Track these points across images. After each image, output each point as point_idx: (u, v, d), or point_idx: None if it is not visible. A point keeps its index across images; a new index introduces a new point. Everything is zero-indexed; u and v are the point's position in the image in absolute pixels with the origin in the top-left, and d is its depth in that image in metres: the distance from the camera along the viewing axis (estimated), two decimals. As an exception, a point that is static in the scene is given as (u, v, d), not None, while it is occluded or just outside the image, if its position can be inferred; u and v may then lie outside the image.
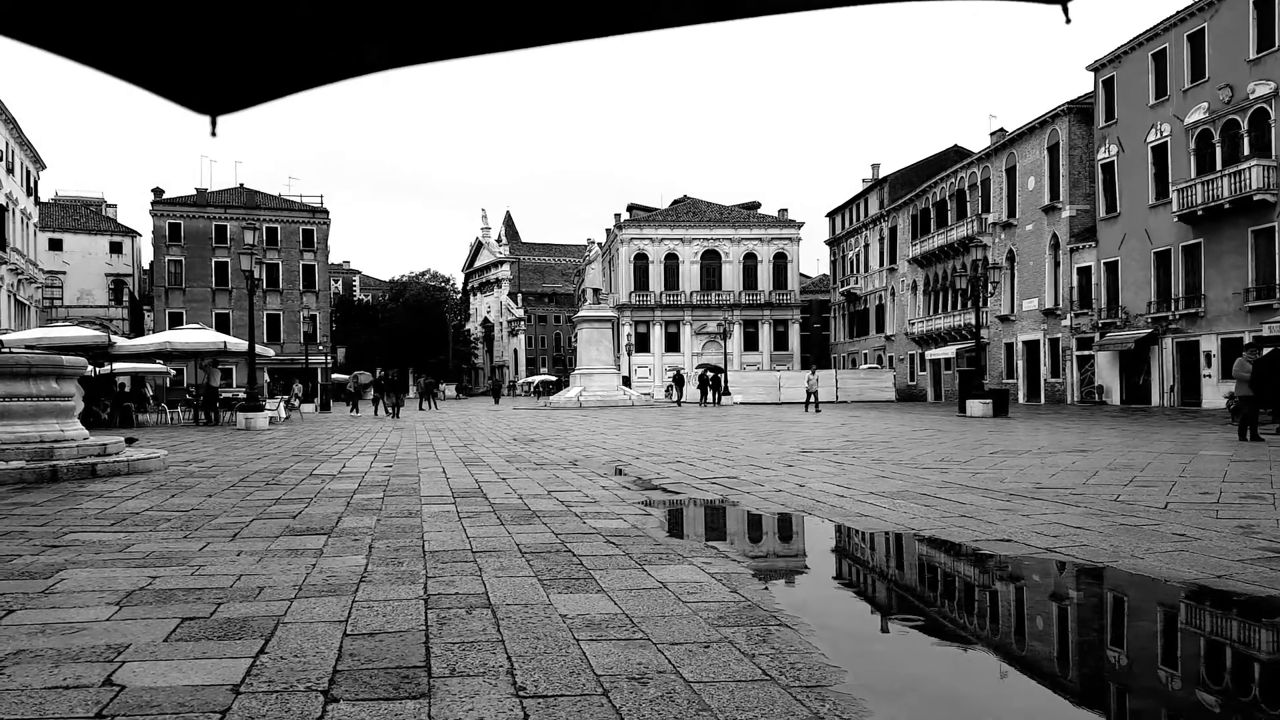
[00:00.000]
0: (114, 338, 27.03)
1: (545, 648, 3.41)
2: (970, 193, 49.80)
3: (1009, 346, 46.06)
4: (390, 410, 31.47)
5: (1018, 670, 3.48)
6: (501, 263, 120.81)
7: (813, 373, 40.59)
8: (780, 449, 13.94)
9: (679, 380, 47.73)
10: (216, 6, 1.56)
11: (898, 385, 53.02)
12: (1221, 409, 25.04)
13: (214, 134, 1.75)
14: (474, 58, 1.68)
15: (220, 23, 1.59)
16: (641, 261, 72.04)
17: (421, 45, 1.65)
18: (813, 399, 35.67)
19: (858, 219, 67.44)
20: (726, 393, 46.22)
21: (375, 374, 35.82)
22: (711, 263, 72.93)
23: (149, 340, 29.58)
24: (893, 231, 60.63)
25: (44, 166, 53.84)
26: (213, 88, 1.74)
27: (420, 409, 38.97)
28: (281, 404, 29.15)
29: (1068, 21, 1.49)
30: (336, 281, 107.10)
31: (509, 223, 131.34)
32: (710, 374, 47.81)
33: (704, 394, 45.76)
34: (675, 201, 78.48)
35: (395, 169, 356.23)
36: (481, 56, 1.67)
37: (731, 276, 72.70)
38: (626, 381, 51.87)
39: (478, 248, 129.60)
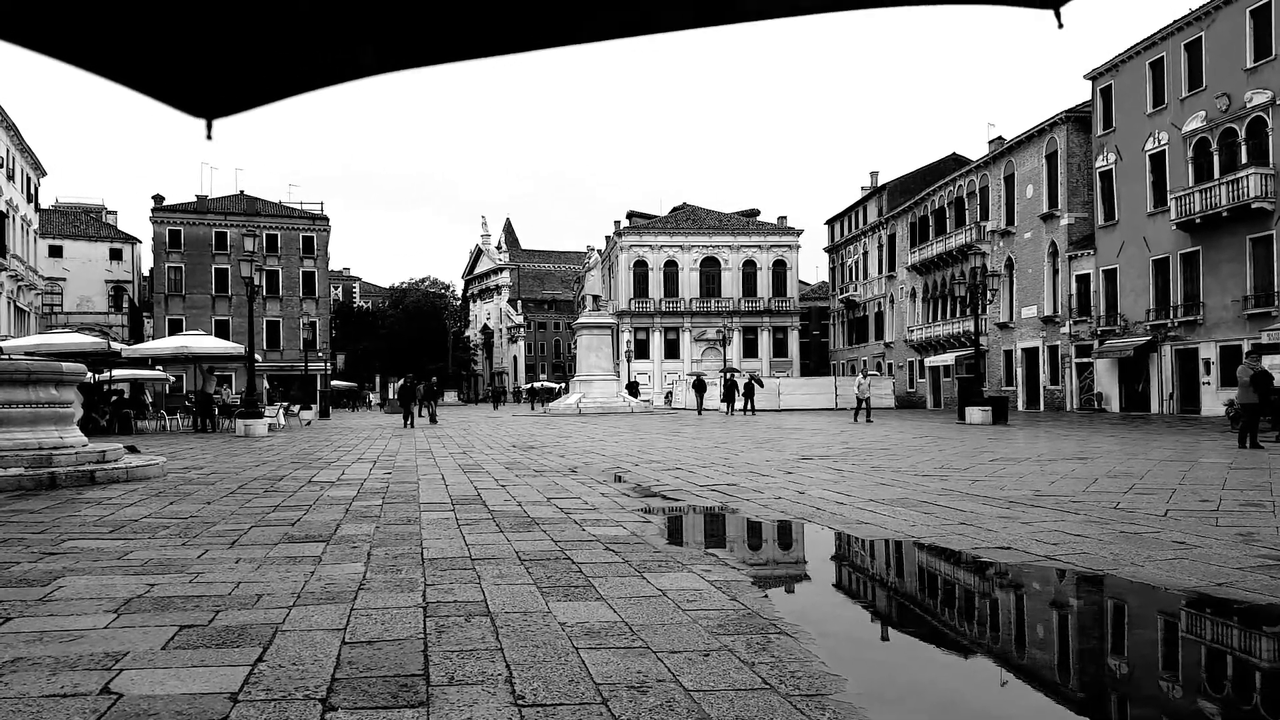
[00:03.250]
0: (114, 344, 27.04)
1: (544, 656, 3.40)
2: (969, 200, 49.88)
3: (1008, 354, 46.08)
4: (408, 418, 29.41)
5: (1018, 678, 3.47)
6: (501, 270, 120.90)
7: (863, 376, 33.69)
8: (780, 456, 13.93)
9: (699, 385, 41.42)
10: (211, 10, 1.56)
11: (897, 392, 53.00)
12: (1221, 416, 25.03)
13: (209, 137, 1.75)
14: (469, 62, 1.68)
15: (215, 26, 1.59)
16: (641, 268, 72.12)
17: (416, 49, 1.65)
18: (863, 407, 30.02)
19: (857, 226, 67.55)
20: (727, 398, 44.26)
21: (401, 382, 32.23)
22: (711, 270, 73.03)
23: (163, 344, 29.58)
24: (891, 239, 60.71)
25: (44, 173, 53.90)
26: (208, 91, 1.74)
27: (419, 416, 38.84)
28: (282, 410, 29.17)
29: (1060, 26, 1.49)
30: (336, 288, 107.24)
31: (509, 230, 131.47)
32: (743, 377, 41.02)
33: (730, 401, 38.73)
34: (674, 209, 78.60)
35: (395, 175, 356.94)
36: (477, 61, 1.68)
37: (731, 284, 72.79)
38: (634, 388, 51.52)
39: (477, 255, 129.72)
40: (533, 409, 57.23)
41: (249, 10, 1.56)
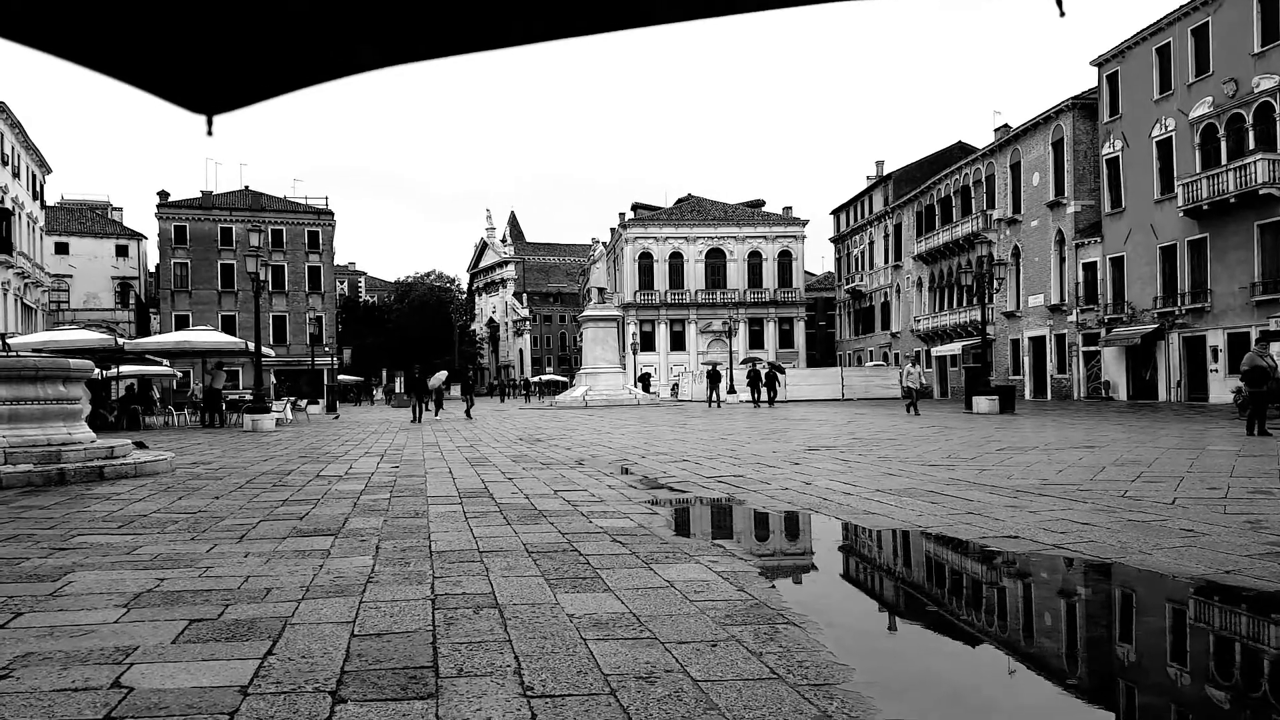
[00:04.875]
0: (120, 340, 27.13)
1: (552, 647, 3.41)
2: (975, 189, 49.70)
3: (1015, 343, 45.97)
4: (421, 411, 28.38)
5: (1026, 667, 3.47)
6: (506, 263, 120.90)
7: (913, 365, 29.41)
8: (786, 447, 13.92)
9: (714, 376, 39.51)
10: (211, 6, 1.55)
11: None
12: (1229, 403, 24.96)
13: (210, 133, 1.75)
14: (472, 55, 1.68)
15: (215, 21, 1.58)
16: (646, 260, 72.07)
17: (416, 43, 1.65)
18: (914, 398, 27.13)
19: (862, 216, 67.38)
20: (733, 390, 43.71)
21: (415, 374, 30.58)
22: (716, 261, 72.94)
23: (165, 338, 29.72)
24: (897, 228, 60.55)
25: (50, 170, 54.01)
26: (208, 87, 1.73)
27: (426, 409, 38.89)
28: (289, 405, 29.26)
29: (1061, 14, 1.48)
30: (342, 283, 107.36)
31: (513, 223, 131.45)
32: (766, 368, 38.95)
33: (755, 393, 37.04)
34: (679, 200, 78.50)
35: (400, 170, 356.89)
36: (479, 54, 1.67)
37: (736, 275, 72.69)
38: (645, 382, 51.58)
39: (482, 248, 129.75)
40: (527, 400, 57.21)
41: (248, 5, 1.55)
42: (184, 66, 1.70)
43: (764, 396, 37.13)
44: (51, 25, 1.54)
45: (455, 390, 78.68)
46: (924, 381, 26.54)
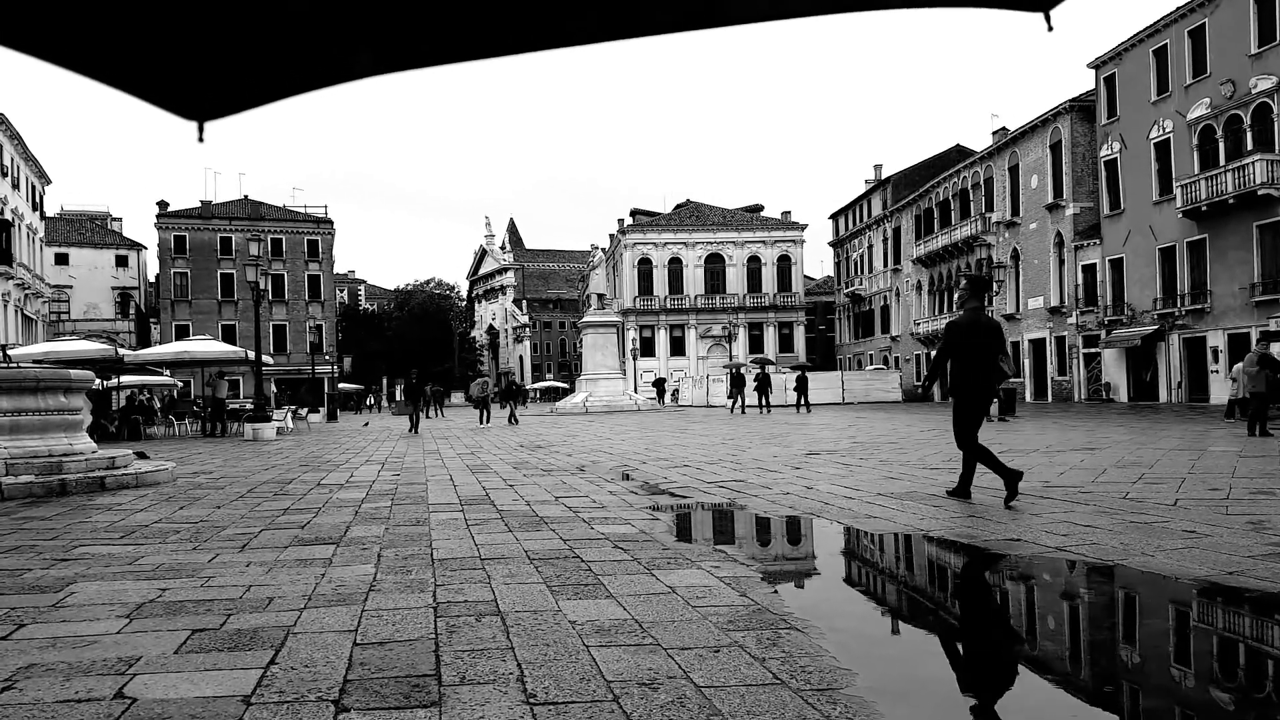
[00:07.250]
0: (121, 350, 27.13)
1: (555, 654, 3.41)
2: (973, 192, 49.75)
3: (1015, 345, 45.97)
4: (419, 420, 27.10)
5: (1030, 670, 3.46)
6: (506, 270, 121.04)
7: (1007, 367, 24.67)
8: (787, 451, 13.91)
9: (738, 380, 36.52)
10: (201, 9, 1.54)
11: (904, 386, 52.91)
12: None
13: (201, 139, 1.73)
14: (469, 63, 1.68)
15: (206, 26, 1.57)
16: (645, 266, 72.13)
17: (413, 51, 1.64)
18: (1002, 398, 23.13)
19: (861, 220, 67.45)
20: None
21: (412, 380, 29.42)
22: (715, 266, 73.01)
23: (165, 349, 29.73)
24: (896, 232, 60.60)
25: (49, 181, 54.06)
26: (199, 93, 1.71)
27: (426, 417, 38.93)
28: (289, 414, 29.25)
29: (1050, 29, 1.52)
30: (342, 291, 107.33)
31: (513, 230, 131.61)
32: (782, 373, 36.20)
33: (763, 398, 34.32)
34: (678, 206, 78.60)
35: (399, 178, 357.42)
36: (476, 62, 1.67)
37: (735, 279, 72.76)
38: (660, 386, 51.47)
39: (482, 255, 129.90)
40: (502, 407, 56.71)
41: (240, 10, 1.54)
42: (174, 72, 1.68)
43: (793, 401, 35.11)
44: (36, 28, 1.52)
45: (458, 397, 78.74)
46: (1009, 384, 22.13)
